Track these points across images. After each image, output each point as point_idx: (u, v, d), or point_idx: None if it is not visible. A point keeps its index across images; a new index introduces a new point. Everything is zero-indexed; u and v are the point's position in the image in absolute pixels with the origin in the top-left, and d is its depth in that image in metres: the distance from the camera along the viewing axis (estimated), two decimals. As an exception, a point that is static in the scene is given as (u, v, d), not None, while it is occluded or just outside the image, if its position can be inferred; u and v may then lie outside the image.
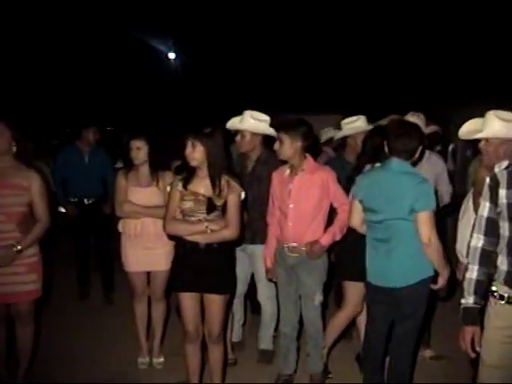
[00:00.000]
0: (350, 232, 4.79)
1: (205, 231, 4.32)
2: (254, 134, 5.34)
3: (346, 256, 5.00)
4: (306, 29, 19.13)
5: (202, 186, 4.39)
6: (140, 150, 5.19)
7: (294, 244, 4.82)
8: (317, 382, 5.10)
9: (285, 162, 4.94)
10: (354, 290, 5.04)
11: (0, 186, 4.47)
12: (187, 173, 4.45)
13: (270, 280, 5.15)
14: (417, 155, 4.36)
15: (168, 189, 4.57)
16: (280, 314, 5.17)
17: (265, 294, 5.56)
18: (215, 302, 4.45)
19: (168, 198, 4.51)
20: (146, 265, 5.34)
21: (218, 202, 4.34)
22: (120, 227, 5.40)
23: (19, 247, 4.47)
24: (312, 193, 4.77)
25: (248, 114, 5.34)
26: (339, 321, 5.22)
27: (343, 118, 6.02)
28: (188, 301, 4.47)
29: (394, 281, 4.27)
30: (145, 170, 5.28)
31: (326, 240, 4.79)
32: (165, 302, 5.58)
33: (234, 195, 4.38)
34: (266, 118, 5.40)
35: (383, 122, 5.70)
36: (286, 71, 19.98)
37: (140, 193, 5.23)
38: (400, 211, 4.17)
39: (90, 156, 7.31)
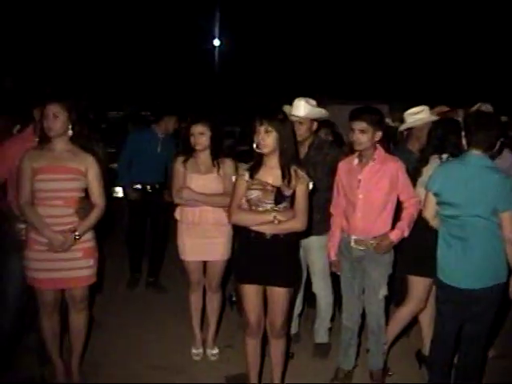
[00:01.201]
0: (417, 225, 4.60)
1: (272, 222, 4.14)
2: (311, 121, 5.19)
3: (412, 249, 4.78)
4: (348, 17, 18.87)
5: (269, 175, 4.23)
6: (202, 136, 5.03)
7: (362, 236, 4.63)
8: (377, 379, 4.93)
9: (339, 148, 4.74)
10: (419, 286, 4.86)
11: (57, 171, 4.36)
12: (254, 161, 4.27)
13: (335, 273, 4.96)
14: (496, 148, 4.16)
15: (233, 178, 4.40)
16: (342, 307, 5.00)
17: (320, 286, 5.42)
18: (280, 295, 4.30)
19: (233, 186, 4.35)
20: (203, 254, 5.20)
21: (287, 193, 4.17)
22: (177, 215, 5.25)
23: (78, 232, 4.34)
24: (382, 184, 4.57)
25: (303, 100, 5.18)
26: (402, 316, 5.05)
27: (390, 108, 5.85)
28: (252, 293, 4.33)
29: (470, 282, 4.11)
30: (205, 156, 5.12)
31: (395, 236, 4.59)
32: (221, 292, 5.45)
33: (303, 185, 4.22)
34: (314, 102, 5.26)
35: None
36: (325, 58, 19.72)
37: (199, 180, 5.07)
38: (480, 209, 4.00)
39: (162, 144, 7.12)
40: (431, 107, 5.64)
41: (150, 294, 7.10)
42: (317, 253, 5.17)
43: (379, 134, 4.55)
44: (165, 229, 7.22)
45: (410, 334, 5.75)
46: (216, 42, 22.29)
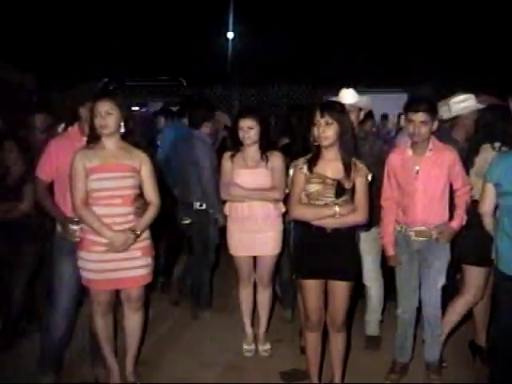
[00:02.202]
0: (474, 214, 4.53)
1: (333, 215, 4.08)
2: (359, 110, 5.15)
3: (469, 239, 4.71)
4: (365, 7, 18.75)
5: (328, 168, 4.17)
6: (252, 130, 4.98)
7: (423, 227, 4.56)
8: (433, 370, 4.88)
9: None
10: (477, 276, 4.82)
11: (112, 169, 4.28)
12: (312, 154, 4.22)
13: (392, 267, 4.86)
14: None
15: (290, 172, 4.34)
16: (398, 300, 4.89)
17: (371, 278, 5.36)
18: (341, 289, 4.26)
19: (292, 181, 4.30)
20: (253, 249, 5.16)
21: (347, 186, 4.12)
22: (226, 210, 5.21)
23: (137, 231, 4.28)
24: (441, 173, 4.53)
25: (349, 91, 5.14)
26: (458, 307, 4.99)
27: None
28: (312, 288, 4.28)
29: None
30: (253, 150, 5.07)
31: (457, 224, 4.57)
32: (271, 287, 5.40)
33: (363, 178, 4.17)
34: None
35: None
36: (340, 49, 19.61)
37: (247, 175, 5.02)
38: None
39: None
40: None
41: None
42: (368, 244, 5.12)
43: (436, 124, 4.51)
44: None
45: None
46: (230, 35, 22.28)
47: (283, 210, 5.13)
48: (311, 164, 4.18)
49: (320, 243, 4.18)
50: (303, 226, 4.26)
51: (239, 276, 5.32)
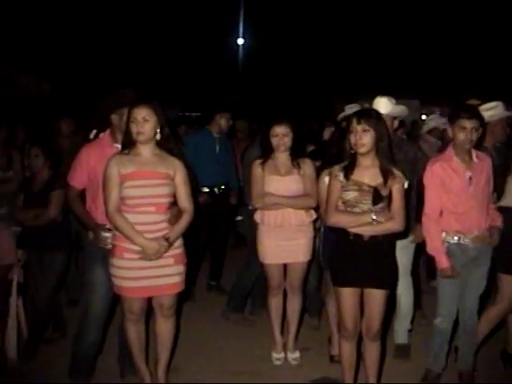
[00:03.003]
0: (507, 221, 4.54)
1: (371, 223, 4.05)
2: (392, 119, 5.09)
3: (503, 247, 4.67)
4: (375, 13, 18.72)
5: (365, 175, 4.13)
6: (286, 137, 4.95)
7: (480, 233, 4.56)
8: (466, 379, 4.84)
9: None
10: (511, 285, 4.76)
11: (146, 176, 4.23)
12: (348, 161, 4.18)
13: (450, 277, 4.69)
14: None
15: (326, 180, 4.30)
16: (438, 309, 4.80)
17: (402, 286, 5.28)
18: (377, 297, 4.22)
19: (328, 188, 4.26)
20: (285, 257, 5.12)
21: (384, 193, 4.08)
22: (258, 218, 5.15)
23: (171, 239, 4.23)
24: (487, 178, 4.59)
25: (384, 98, 5.10)
26: (492, 316, 4.95)
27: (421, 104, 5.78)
28: (349, 296, 4.24)
29: None
30: (285, 157, 5.04)
31: (500, 224, 4.62)
32: (302, 294, 5.36)
33: (399, 184, 4.13)
34: (394, 101, 5.17)
35: None
36: (351, 55, 19.57)
37: (279, 182, 4.99)
38: None
39: (220, 143, 7.02)
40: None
41: (223, 299, 6.93)
42: (399, 252, 5.05)
43: (480, 131, 4.51)
44: (227, 231, 7.13)
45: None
46: (240, 41, 22.28)
47: (314, 216, 5.09)
48: (347, 171, 4.14)
49: (357, 251, 4.14)
50: (340, 233, 4.22)
51: (269, 284, 5.28)
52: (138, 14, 17.38)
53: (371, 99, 5.22)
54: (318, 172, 5.03)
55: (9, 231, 5.49)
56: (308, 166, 5.05)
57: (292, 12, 19.32)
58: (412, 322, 5.51)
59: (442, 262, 4.58)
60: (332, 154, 5.00)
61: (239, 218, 6.53)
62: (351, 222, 4.12)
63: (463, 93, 12.27)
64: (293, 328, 5.38)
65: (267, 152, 5.05)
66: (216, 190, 6.94)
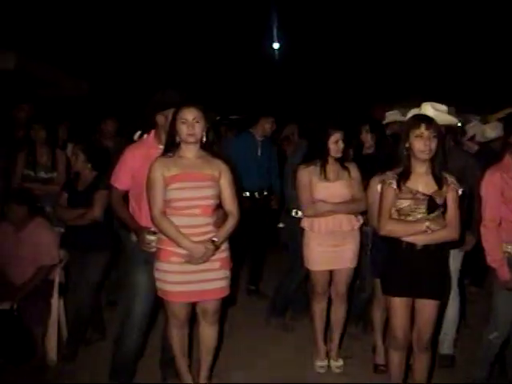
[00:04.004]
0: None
1: (425, 231, 3.94)
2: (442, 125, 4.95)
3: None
4: (411, 17, 18.52)
5: (419, 182, 4.03)
6: (342, 142, 4.87)
7: None
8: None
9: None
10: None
11: (192, 178, 4.15)
12: (403, 168, 4.08)
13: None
14: None
15: (378, 188, 4.19)
16: (494, 324, 4.59)
17: (450, 296, 5.15)
18: (430, 307, 4.11)
19: (381, 196, 4.14)
20: (333, 263, 5.03)
21: (439, 201, 3.97)
22: (306, 225, 5.06)
23: (217, 242, 4.14)
24: None
25: (429, 105, 4.98)
26: None
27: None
28: (400, 306, 4.12)
29: None
30: (334, 162, 4.94)
31: None
32: (347, 301, 5.24)
33: (454, 192, 4.02)
34: (445, 107, 5.02)
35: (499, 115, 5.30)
36: (386, 59, 19.37)
37: (329, 188, 4.91)
38: None
39: (262, 147, 6.95)
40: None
41: (260, 303, 6.89)
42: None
43: None
44: (267, 236, 7.04)
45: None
46: (275, 45, 22.19)
47: (361, 221, 5.01)
48: (401, 179, 4.02)
49: (410, 260, 4.02)
50: (392, 242, 4.10)
51: (315, 290, 5.18)
52: (178, 18, 17.38)
53: (409, 105, 5.10)
54: (366, 178, 4.94)
55: (51, 231, 5.47)
56: (354, 170, 4.99)
57: (327, 16, 19.16)
58: (457, 331, 5.35)
59: (504, 274, 4.34)
60: (380, 160, 4.90)
61: (281, 225, 6.41)
62: (406, 231, 4.00)
63: (497, 100, 12.05)
64: (337, 335, 5.28)
65: (322, 157, 4.94)
66: (257, 194, 6.85)
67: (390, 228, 4.06)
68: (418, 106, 4.96)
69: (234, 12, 18.35)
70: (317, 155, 4.97)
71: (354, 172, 4.97)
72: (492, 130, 7.42)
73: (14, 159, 6.36)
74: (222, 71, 19.04)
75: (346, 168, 4.98)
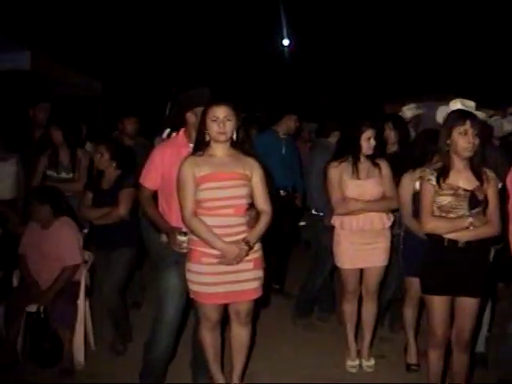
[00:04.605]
0: None
1: (467, 228, 3.86)
2: None
3: None
4: (421, 11, 18.41)
5: (459, 178, 3.95)
6: (374, 140, 4.80)
7: None
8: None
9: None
10: None
11: (223, 178, 4.05)
12: (442, 164, 4.00)
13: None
14: None
15: (417, 185, 4.11)
16: None
17: None
18: (471, 305, 4.04)
19: (421, 193, 4.08)
20: (364, 261, 4.96)
21: (480, 197, 3.90)
22: (336, 223, 4.99)
23: (251, 242, 4.05)
24: None
25: (458, 102, 4.89)
26: None
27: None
28: (441, 305, 4.05)
29: None
30: (366, 160, 4.88)
31: None
32: (377, 301, 5.16)
33: (494, 187, 3.96)
34: (473, 104, 4.94)
35: None
36: (398, 54, 19.25)
37: (360, 186, 4.84)
38: None
39: (286, 145, 6.87)
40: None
41: (285, 302, 6.82)
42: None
43: None
44: (291, 235, 6.98)
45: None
46: (285, 42, 22.15)
47: (392, 219, 4.94)
48: (442, 175, 3.94)
49: (452, 257, 3.95)
50: (433, 239, 4.03)
51: (345, 289, 5.11)
52: (190, 16, 17.38)
53: (422, 101, 5.03)
54: (397, 175, 4.87)
55: (74, 231, 5.41)
56: (386, 167, 4.92)
57: (337, 13, 19.10)
58: (489, 330, 5.27)
59: None
60: (414, 156, 4.83)
61: (302, 223, 6.34)
62: (448, 228, 3.93)
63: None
64: (368, 334, 5.20)
65: (353, 154, 4.86)
66: (281, 192, 6.76)
67: (433, 225, 3.98)
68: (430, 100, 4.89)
69: (244, 7, 18.32)
70: (348, 152, 4.88)
71: (386, 169, 4.89)
72: (509, 123, 7.33)
73: (34, 160, 6.29)
74: (233, 68, 18.97)
75: (377, 165, 4.90)
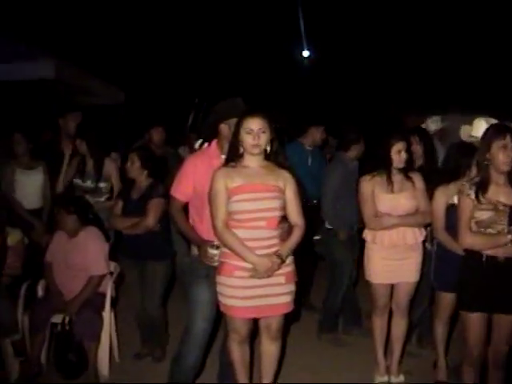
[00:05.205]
0: None
1: (506, 244, 3.80)
2: None
3: None
4: (447, 25, 18.29)
5: (499, 193, 3.89)
6: (403, 153, 4.72)
7: None
8: None
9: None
10: None
11: (256, 189, 3.98)
12: (480, 179, 3.93)
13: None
14: None
15: (455, 199, 4.04)
16: None
17: None
18: (508, 323, 3.98)
19: (459, 207, 4.02)
20: (396, 276, 4.88)
21: None
22: (368, 237, 4.93)
23: (283, 255, 3.97)
24: None
25: (483, 120, 4.85)
26: None
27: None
28: (478, 321, 3.99)
29: None
30: (398, 173, 4.80)
31: None
32: (408, 316, 5.07)
33: None
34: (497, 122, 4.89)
35: None
36: (420, 68, 19.14)
37: (393, 200, 4.77)
38: None
39: (312, 156, 6.81)
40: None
41: (309, 315, 6.72)
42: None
43: None
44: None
45: None
46: (305, 53, 22.10)
47: (425, 233, 4.86)
48: (481, 189, 3.87)
49: (490, 274, 3.88)
50: (471, 255, 3.96)
51: (376, 304, 5.03)
52: (213, 28, 17.40)
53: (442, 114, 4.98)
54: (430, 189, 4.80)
55: (100, 241, 5.37)
56: (419, 181, 4.83)
57: (357, 25, 19.03)
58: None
59: None
60: (447, 170, 4.77)
61: (317, 237, 6.26)
62: (488, 244, 3.87)
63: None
64: (397, 350, 5.10)
65: (385, 167, 4.79)
66: (308, 204, 6.69)
67: (472, 241, 3.92)
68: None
69: (264, 19, 18.32)
70: (379, 166, 4.81)
71: (419, 183, 4.81)
72: None
73: (61, 168, 6.28)
74: (253, 79, 18.95)
75: (409, 179, 4.81)
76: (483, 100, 14.33)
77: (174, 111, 11.93)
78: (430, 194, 4.84)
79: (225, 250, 4.03)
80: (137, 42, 15.20)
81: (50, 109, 8.02)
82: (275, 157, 4.12)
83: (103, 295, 5.31)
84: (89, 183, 6.23)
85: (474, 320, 3.98)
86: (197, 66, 17.61)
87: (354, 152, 6.10)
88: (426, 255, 5.01)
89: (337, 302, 6.11)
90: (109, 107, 10.89)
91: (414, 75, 18.79)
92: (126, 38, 14.72)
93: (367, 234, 4.92)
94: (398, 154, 4.72)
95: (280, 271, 4.01)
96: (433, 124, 7.33)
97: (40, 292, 5.50)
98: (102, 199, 6.22)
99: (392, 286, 4.97)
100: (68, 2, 12.35)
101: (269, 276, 3.95)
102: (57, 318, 5.12)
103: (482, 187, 3.89)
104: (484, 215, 3.86)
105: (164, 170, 5.53)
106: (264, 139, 3.96)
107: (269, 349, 4.32)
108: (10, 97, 9.06)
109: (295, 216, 4.10)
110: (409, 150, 4.87)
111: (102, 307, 5.26)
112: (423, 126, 7.04)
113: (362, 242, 5.13)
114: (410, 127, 7.27)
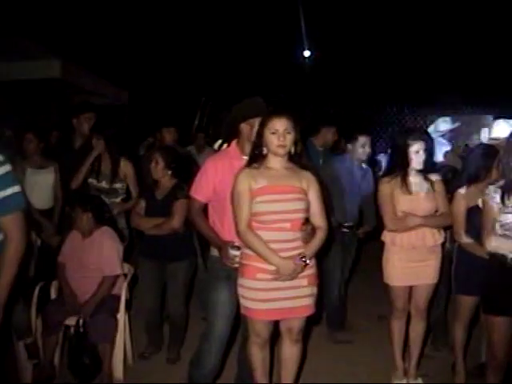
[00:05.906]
0: None
1: None
2: None
3: None
4: (450, 21, 18.23)
5: None
6: (421, 153, 4.68)
7: None
8: None
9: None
10: None
11: (280, 191, 3.93)
12: (505, 182, 3.91)
13: None
14: None
15: (479, 201, 4.01)
16: None
17: None
18: None
19: (484, 210, 4.01)
20: (415, 279, 4.84)
21: None
22: (387, 239, 4.88)
23: (307, 258, 3.92)
24: None
25: (502, 122, 4.82)
26: None
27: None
28: (502, 325, 3.97)
29: None
30: (417, 174, 4.76)
31: None
32: (427, 319, 5.03)
33: None
34: None
35: None
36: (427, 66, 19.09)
37: (411, 201, 4.72)
38: None
39: (323, 156, 6.79)
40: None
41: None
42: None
43: None
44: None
45: None
46: (306, 53, 22.06)
47: (444, 235, 4.84)
48: (506, 192, 3.84)
49: None
50: (496, 258, 3.94)
51: (394, 307, 4.98)
52: (215, 29, 17.37)
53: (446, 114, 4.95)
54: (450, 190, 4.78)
55: (115, 241, 5.32)
56: (438, 182, 4.80)
57: (359, 25, 18.99)
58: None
59: None
60: (469, 172, 4.74)
61: None
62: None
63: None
64: (415, 353, 5.05)
65: (402, 168, 4.75)
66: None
67: (497, 244, 3.90)
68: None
69: (265, 18, 18.30)
70: (398, 167, 4.78)
71: (438, 184, 4.78)
72: None
73: (74, 168, 6.21)
74: (255, 79, 18.91)
75: (429, 180, 4.77)
76: (492, 100, 14.31)
77: (179, 111, 11.88)
78: (448, 197, 4.82)
79: (247, 251, 3.98)
80: (141, 43, 15.14)
81: (57, 108, 7.96)
82: (299, 158, 4.08)
83: (117, 297, 5.26)
84: (104, 184, 6.15)
85: (500, 323, 3.96)
86: (199, 65, 17.56)
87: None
88: (444, 257, 4.97)
89: (334, 298, 6.15)
90: (113, 107, 10.86)
91: (418, 75, 18.76)
92: (130, 38, 14.66)
93: (386, 236, 4.87)
94: (415, 155, 4.68)
95: (303, 273, 3.97)
96: (443, 124, 7.34)
97: (53, 294, 5.43)
98: (118, 200, 6.14)
99: (410, 289, 4.93)
100: (74, 3, 12.29)
101: (292, 278, 3.91)
102: (71, 320, 5.07)
103: (507, 190, 3.86)
104: (509, 218, 3.84)
105: (188, 170, 5.45)
106: (289, 140, 3.91)
107: (290, 351, 4.27)
108: (18, 96, 9.01)
109: (318, 218, 4.06)
110: (427, 150, 4.83)
111: (117, 309, 5.20)
112: (432, 126, 7.04)
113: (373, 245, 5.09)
114: (409, 127, 7.28)
